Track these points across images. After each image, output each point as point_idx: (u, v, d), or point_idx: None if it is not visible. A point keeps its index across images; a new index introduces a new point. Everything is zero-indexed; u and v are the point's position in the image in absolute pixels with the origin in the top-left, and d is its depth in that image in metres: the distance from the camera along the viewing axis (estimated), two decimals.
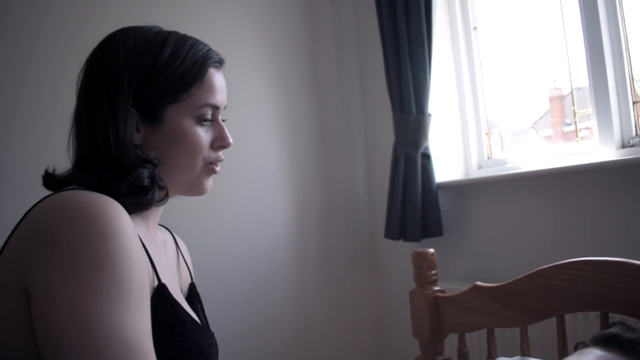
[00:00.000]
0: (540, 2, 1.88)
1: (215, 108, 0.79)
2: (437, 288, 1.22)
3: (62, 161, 0.77)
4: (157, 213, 0.82)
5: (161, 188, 0.74)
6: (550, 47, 1.87)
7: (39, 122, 1.68)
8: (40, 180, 0.75)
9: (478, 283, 1.12)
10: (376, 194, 2.37)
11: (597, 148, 1.64)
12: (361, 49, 2.44)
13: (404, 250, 2.16)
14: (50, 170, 0.74)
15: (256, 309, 2.06)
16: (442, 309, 1.19)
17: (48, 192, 0.69)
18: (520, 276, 1.02)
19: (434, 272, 1.22)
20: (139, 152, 0.73)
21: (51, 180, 0.73)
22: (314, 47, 2.34)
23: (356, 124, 2.43)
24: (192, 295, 0.92)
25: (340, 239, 2.34)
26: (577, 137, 1.76)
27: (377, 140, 2.36)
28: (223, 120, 0.83)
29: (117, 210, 0.62)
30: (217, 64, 0.81)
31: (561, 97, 1.91)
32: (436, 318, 1.19)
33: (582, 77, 1.73)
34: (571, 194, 1.65)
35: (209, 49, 0.80)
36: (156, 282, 0.71)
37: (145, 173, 0.71)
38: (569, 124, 1.89)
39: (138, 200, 0.70)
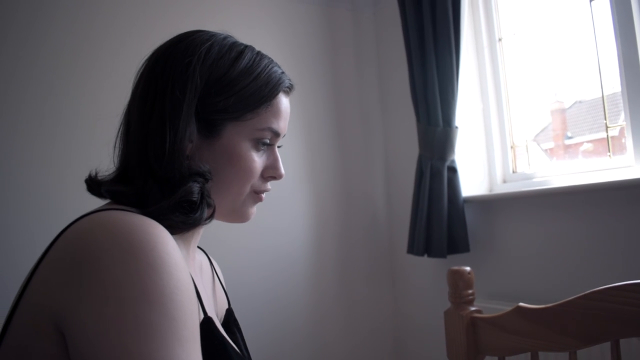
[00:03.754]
0: (569, 11, 1.83)
1: (276, 134, 0.74)
2: (473, 308, 1.16)
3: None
4: (198, 234, 0.75)
5: (209, 206, 0.66)
6: (568, 59, 1.83)
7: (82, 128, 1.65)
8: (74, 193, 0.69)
9: (521, 304, 1.06)
10: (396, 207, 2.32)
11: (632, 163, 1.58)
12: (381, 59, 2.40)
13: (423, 265, 2.10)
14: (93, 174, 0.67)
15: (274, 324, 2.01)
16: (481, 330, 1.13)
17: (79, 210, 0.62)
18: (570, 298, 0.97)
19: (470, 291, 1.17)
20: (189, 164, 0.66)
21: (95, 185, 0.66)
22: (333, 56, 2.31)
23: (376, 135, 2.39)
24: (230, 322, 0.84)
25: (358, 253, 2.28)
26: (609, 151, 1.70)
27: (397, 152, 2.32)
28: (278, 147, 0.78)
29: (163, 236, 0.54)
30: (288, 90, 0.76)
31: (562, 110, 1.89)
32: (474, 340, 1.14)
33: (600, 88, 1.69)
34: (603, 211, 1.59)
35: (284, 72, 0.75)
36: (202, 315, 0.64)
37: (196, 187, 0.63)
38: (570, 137, 1.87)
39: (185, 218, 0.62)
